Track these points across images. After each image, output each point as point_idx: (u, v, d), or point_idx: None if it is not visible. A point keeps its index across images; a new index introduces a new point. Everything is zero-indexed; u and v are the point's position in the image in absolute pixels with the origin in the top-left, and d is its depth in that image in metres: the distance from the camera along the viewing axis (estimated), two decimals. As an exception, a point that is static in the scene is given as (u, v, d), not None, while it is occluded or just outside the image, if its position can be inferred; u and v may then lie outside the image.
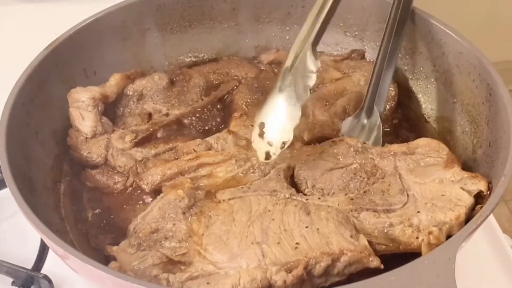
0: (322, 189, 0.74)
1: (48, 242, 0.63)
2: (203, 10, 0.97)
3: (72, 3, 1.24)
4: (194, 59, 1.00)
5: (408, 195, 0.72)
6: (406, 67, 0.93)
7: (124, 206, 0.78)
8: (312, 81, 0.75)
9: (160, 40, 0.96)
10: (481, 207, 0.64)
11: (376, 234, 0.69)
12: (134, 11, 0.92)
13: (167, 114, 0.87)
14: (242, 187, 0.74)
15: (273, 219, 0.69)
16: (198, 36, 0.99)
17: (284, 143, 0.74)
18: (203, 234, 0.68)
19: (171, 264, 0.65)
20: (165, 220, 0.70)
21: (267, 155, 0.74)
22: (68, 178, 0.81)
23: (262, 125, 0.76)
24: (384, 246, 0.69)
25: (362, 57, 0.96)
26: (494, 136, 0.74)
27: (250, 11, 0.98)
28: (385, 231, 0.69)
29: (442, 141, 0.80)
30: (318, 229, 0.67)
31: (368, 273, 0.61)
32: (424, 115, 0.91)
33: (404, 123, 0.89)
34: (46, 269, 0.79)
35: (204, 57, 1.00)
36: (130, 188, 0.79)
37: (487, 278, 0.81)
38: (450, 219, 0.67)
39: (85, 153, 0.81)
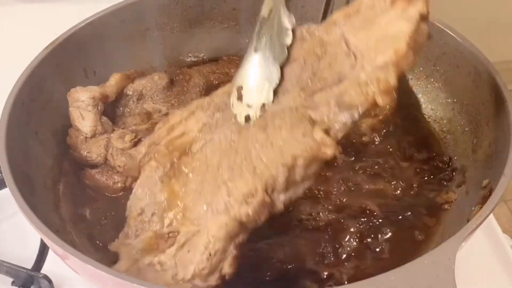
0: (277, 92, 0.69)
1: (48, 242, 0.63)
2: (203, 10, 0.97)
3: (72, 3, 1.23)
4: (194, 59, 0.99)
5: (355, 55, 0.64)
6: (406, 67, 0.93)
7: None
8: (289, 38, 0.71)
9: (160, 40, 0.96)
10: (481, 207, 0.63)
11: (332, 112, 0.63)
12: (134, 11, 0.92)
13: (167, 114, 0.87)
14: (210, 128, 0.71)
15: (236, 151, 0.65)
16: (198, 36, 0.99)
17: (264, 104, 0.69)
18: (181, 195, 0.66)
19: (163, 239, 0.63)
20: (147, 196, 0.68)
21: (247, 118, 0.69)
22: (68, 178, 0.81)
23: (240, 88, 0.71)
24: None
25: (362, 57, 0.96)
26: (494, 136, 0.74)
27: (250, 11, 0.98)
28: (340, 102, 0.62)
29: (442, 141, 0.79)
30: (272, 143, 0.63)
31: (365, 274, 0.61)
32: (424, 115, 0.91)
33: (404, 124, 0.89)
34: (46, 269, 0.79)
35: (204, 57, 1.00)
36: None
37: (487, 278, 0.81)
38: (390, 57, 0.60)
39: (85, 153, 0.81)
